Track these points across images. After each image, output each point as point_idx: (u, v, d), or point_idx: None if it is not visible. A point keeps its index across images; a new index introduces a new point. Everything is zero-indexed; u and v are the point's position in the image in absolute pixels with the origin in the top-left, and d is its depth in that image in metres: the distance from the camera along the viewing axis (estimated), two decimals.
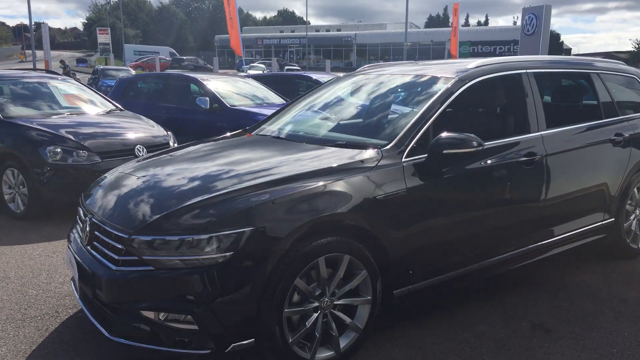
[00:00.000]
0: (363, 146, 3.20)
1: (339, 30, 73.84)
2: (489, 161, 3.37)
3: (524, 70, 3.82)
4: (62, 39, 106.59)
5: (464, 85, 3.44)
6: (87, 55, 59.31)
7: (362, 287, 2.93)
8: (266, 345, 2.62)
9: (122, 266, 2.61)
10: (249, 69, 32.32)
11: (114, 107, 7.30)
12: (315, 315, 2.78)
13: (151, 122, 6.90)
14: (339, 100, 4.22)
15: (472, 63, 3.71)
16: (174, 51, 52.55)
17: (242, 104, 8.54)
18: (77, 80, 8.31)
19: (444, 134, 3.10)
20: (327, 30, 75.65)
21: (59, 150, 5.62)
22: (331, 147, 3.27)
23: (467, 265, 3.35)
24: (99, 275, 2.68)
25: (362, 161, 3.01)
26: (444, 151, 3.05)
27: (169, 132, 6.68)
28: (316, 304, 2.77)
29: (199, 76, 9.01)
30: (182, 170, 3.15)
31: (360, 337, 2.93)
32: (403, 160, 3.06)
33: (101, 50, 46.41)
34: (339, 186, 2.81)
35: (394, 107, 3.72)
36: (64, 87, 7.27)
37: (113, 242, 2.70)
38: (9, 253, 4.66)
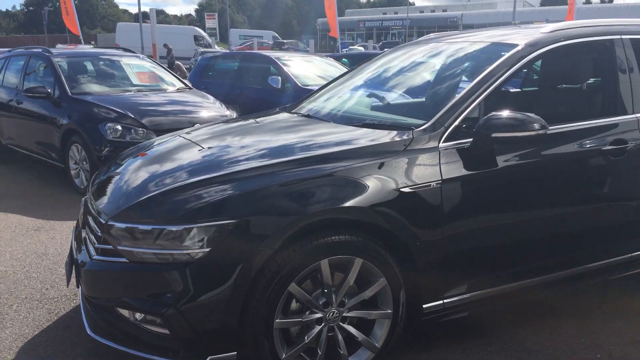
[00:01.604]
0: (394, 126, 2.65)
1: (444, 10, 70.95)
2: (557, 149, 2.67)
3: (618, 36, 3.01)
4: (176, 25, 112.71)
5: (531, 53, 2.75)
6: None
7: (380, 298, 2.42)
8: None
9: (100, 255, 2.31)
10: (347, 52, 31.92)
11: (183, 86, 7.21)
12: (318, 328, 2.32)
13: (216, 101, 6.72)
14: (384, 74, 3.64)
15: (548, 27, 2.99)
16: (277, 35, 53.31)
17: (315, 83, 8.13)
18: (176, 64, 8.33)
19: (496, 113, 2.46)
20: (432, 11, 73.03)
21: (118, 127, 5.58)
22: (358, 127, 2.75)
23: (523, 279, 2.70)
24: (80, 264, 2.41)
25: (386, 144, 2.47)
26: (493, 134, 2.42)
27: (231, 112, 6.45)
28: (319, 314, 2.31)
29: (273, 55, 8.72)
30: (185, 152, 2.78)
31: (376, 358, 2.42)
32: (441, 144, 2.48)
33: (208, 35, 48.22)
34: (351, 173, 2.30)
35: (440, 80, 3.10)
36: (137, 65, 7.29)
37: (95, 228, 2.41)
38: (58, 228, 4.65)
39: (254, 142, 2.76)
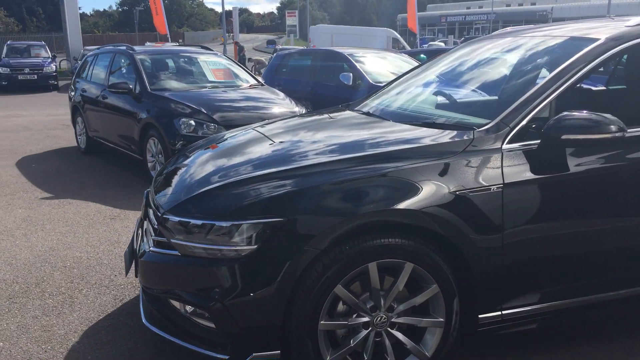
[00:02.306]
0: (455, 126, 2.52)
1: (533, 3, 67.69)
2: (636, 154, 2.43)
3: None
4: (260, 23, 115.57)
5: (612, 49, 2.52)
6: (278, 37, 63.27)
7: (432, 305, 2.32)
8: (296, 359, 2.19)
9: (155, 247, 2.37)
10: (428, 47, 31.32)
11: (256, 83, 7.35)
12: (365, 332, 2.25)
13: (286, 97, 6.77)
14: (453, 70, 3.49)
15: (634, 20, 2.73)
16: None
17: (388, 80, 8.00)
18: (246, 61, 8.53)
19: (568, 113, 2.28)
20: (520, 4, 69.91)
21: (192, 122, 5.77)
22: (417, 126, 2.64)
23: (594, 293, 2.49)
24: (138, 255, 2.50)
25: (444, 145, 2.35)
26: (563, 136, 2.24)
27: (301, 108, 6.48)
28: (367, 318, 2.24)
29: (346, 51, 8.69)
30: (249, 147, 2.81)
31: None
32: (504, 146, 2.33)
33: (288, 32, 49.00)
34: (404, 175, 2.21)
35: (510, 77, 2.92)
36: (213, 62, 7.51)
37: (153, 220, 2.49)
38: (132, 218, 4.87)
39: (309, 140, 2.74)
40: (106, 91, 6.99)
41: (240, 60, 18.97)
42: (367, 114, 3.13)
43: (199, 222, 2.18)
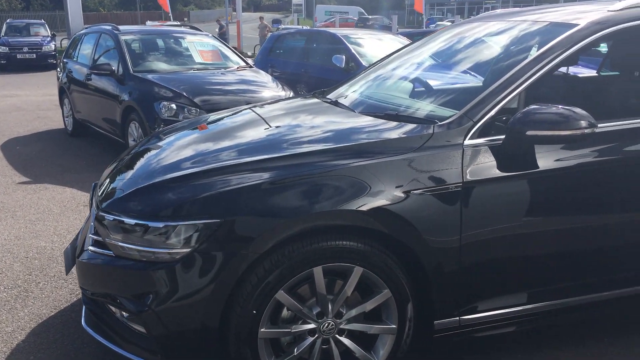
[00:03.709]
0: (416, 119, 2.35)
1: None
2: (609, 151, 2.26)
3: None
4: (268, 2, 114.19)
5: (590, 35, 2.32)
6: (284, 16, 62.48)
7: (385, 311, 2.17)
8: None
9: (92, 246, 2.23)
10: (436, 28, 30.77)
11: (244, 65, 7.15)
12: (311, 339, 2.12)
13: (274, 81, 6.58)
14: (432, 56, 3.28)
15: (618, 4, 2.51)
16: (363, 11, 52.44)
17: None
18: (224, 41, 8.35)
19: (535, 106, 2.10)
20: None
21: (173, 106, 5.61)
22: (379, 118, 2.47)
23: (558, 298, 2.33)
24: (76, 253, 2.36)
25: (400, 140, 2.18)
26: (528, 132, 2.06)
27: (288, 92, 6.29)
28: (313, 325, 2.10)
29: (339, 32, 8.44)
30: (196, 141, 2.64)
31: None
32: (467, 141, 2.15)
33: (294, 11, 48.34)
34: (352, 173, 2.04)
35: (483, 66, 2.73)
36: (201, 43, 7.31)
37: (92, 216, 2.35)
38: None
39: (259, 134, 2.57)
40: (90, 72, 6.83)
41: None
42: (335, 103, 2.95)
43: (132, 221, 2.03)
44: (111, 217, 2.11)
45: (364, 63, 7.64)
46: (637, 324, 2.73)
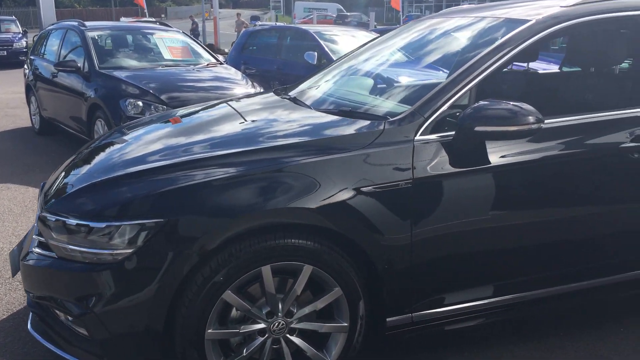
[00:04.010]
0: (369, 116, 2.33)
1: None
2: (558, 146, 2.27)
3: None
4: None
5: (541, 32, 2.33)
6: (263, 13, 62.13)
7: (336, 310, 2.15)
8: None
9: (36, 247, 2.17)
10: None
11: (214, 61, 7.07)
12: (261, 339, 2.09)
13: (244, 77, 6.53)
14: (393, 52, 3.27)
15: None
16: (342, 8, 52.43)
17: None
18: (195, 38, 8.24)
19: (484, 102, 2.10)
20: None
21: (139, 103, 5.52)
22: (334, 114, 2.45)
23: (510, 293, 2.34)
24: (21, 255, 2.29)
25: (351, 136, 2.16)
26: (477, 128, 2.06)
27: (258, 89, 6.23)
28: (262, 325, 2.07)
29: (312, 29, 8.41)
30: (144, 139, 2.60)
31: None
32: (418, 137, 2.14)
33: (272, 8, 48.19)
34: (303, 170, 2.02)
35: (438, 62, 2.73)
36: (171, 39, 7.21)
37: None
38: None
39: (209, 131, 2.53)
40: (56, 69, 6.69)
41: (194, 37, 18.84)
42: (292, 99, 2.92)
43: (74, 222, 1.97)
44: (54, 218, 2.05)
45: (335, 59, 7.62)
46: (592, 317, 2.76)
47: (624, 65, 2.94)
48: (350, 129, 2.21)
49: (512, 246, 2.28)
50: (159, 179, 2.00)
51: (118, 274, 1.90)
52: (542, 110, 2.23)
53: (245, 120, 2.60)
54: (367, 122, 2.23)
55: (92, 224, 1.93)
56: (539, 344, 2.55)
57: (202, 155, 2.13)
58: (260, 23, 29.62)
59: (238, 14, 26.79)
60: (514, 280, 2.36)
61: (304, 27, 8.75)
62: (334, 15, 42.65)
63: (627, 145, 2.32)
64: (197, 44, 7.44)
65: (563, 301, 2.49)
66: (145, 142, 2.54)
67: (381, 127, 2.16)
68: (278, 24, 9.58)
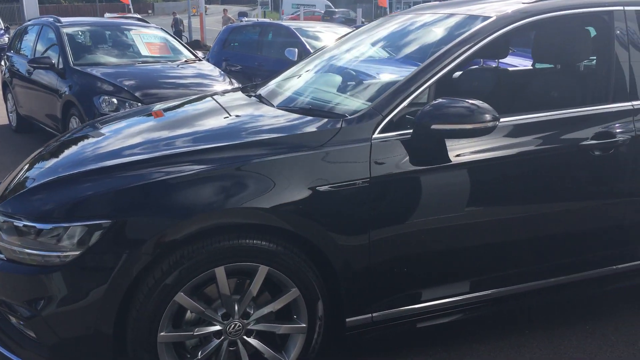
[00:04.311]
0: (328, 113, 2.31)
1: None
2: (518, 145, 2.26)
3: (620, 8, 2.50)
4: None
5: (502, 28, 2.32)
6: (251, 9, 61.82)
7: (295, 310, 2.13)
8: None
9: None
10: None
11: (193, 58, 7.00)
12: (217, 341, 2.06)
13: (221, 74, 6.47)
14: (361, 49, 3.25)
15: None
16: (330, 4, 52.30)
17: None
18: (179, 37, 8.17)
19: (442, 100, 2.08)
20: None
21: (114, 100, 5.45)
22: (294, 112, 2.42)
23: (471, 292, 2.33)
24: None
25: (308, 135, 2.14)
26: (433, 126, 2.04)
27: (237, 86, 6.18)
28: (218, 327, 2.04)
29: (293, 25, 8.36)
30: (103, 137, 2.56)
31: None
32: (375, 136, 2.11)
33: (260, 4, 47.99)
34: (258, 169, 1.99)
35: (402, 59, 2.70)
36: (149, 36, 7.13)
37: None
38: None
39: (168, 130, 2.49)
40: (30, 66, 6.59)
41: (176, 33, 18.61)
42: (257, 97, 2.88)
43: (21, 223, 1.93)
44: (2, 219, 2.00)
45: None
46: (559, 315, 2.76)
47: (588, 63, 2.94)
48: (308, 128, 2.19)
49: (472, 244, 2.27)
50: (108, 179, 1.96)
51: (66, 276, 1.86)
52: (509, 108, 2.21)
53: (206, 120, 2.56)
54: (325, 121, 2.20)
55: (39, 226, 1.89)
56: (502, 342, 2.55)
57: (154, 154, 2.09)
58: (246, 19, 29.51)
59: (225, 10, 26.69)
60: (478, 278, 2.35)
61: (285, 24, 8.71)
62: (322, 12, 42.52)
63: (588, 142, 2.32)
64: (176, 41, 7.36)
65: (528, 299, 2.48)
66: (102, 140, 2.49)
67: (338, 126, 2.13)
68: (261, 19, 9.46)
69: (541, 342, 2.55)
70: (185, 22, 25.35)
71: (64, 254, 1.86)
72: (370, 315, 2.20)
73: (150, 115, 2.91)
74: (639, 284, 2.67)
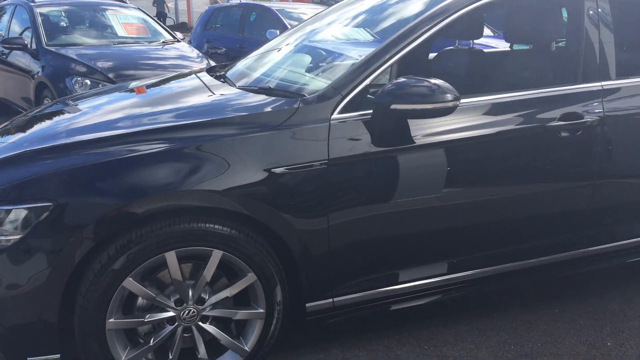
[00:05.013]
0: (285, 93, 2.23)
1: None
2: (485, 126, 2.20)
3: None
4: None
5: (470, 5, 2.24)
6: None
7: (252, 296, 2.07)
8: None
9: None
10: None
11: (171, 39, 6.85)
12: (170, 328, 2.00)
13: (199, 56, 6.33)
14: (336, 26, 3.17)
15: None
16: None
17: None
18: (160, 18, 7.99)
19: (401, 79, 2.01)
20: None
21: (87, 82, 5.33)
22: (254, 92, 2.34)
23: (438, 275, 2.28)
24: None
25: (263, 115, 2.06)
26: (393, 106, 1.97)
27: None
28: (171, 313, 1.98)
29: (275, 6, 8.22)
30: (67, 115, 2.47)
31: None
32: (334, 116, 2.04)
33: None
34: (209, 149, 1.91)
35: (368, 38, 2.63)
36: (125, 16, 6.96)
37: None
38: None
39: (120, 111, 2.39)
40: (3, 47, 6.42)
41: (158, 15, 18.15)
42: (221, 77, 2.79)
43: None
44: None
45: None
46: (526, 299, 2.72)
47: (560, 43, 2.88)
48: (264, 108, 2.11)
49: (435, 227, 2.21)
50: (50, 161, 1.88)
51: (6, 261, 1.78)
52: (482, 89, 2.14)
53: (164, 100, 2.47)
54: (282, 101, 2.12)
55: None
56: (469, 326, 2.51)
57: (103, 134, 2.01)
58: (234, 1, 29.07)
59: None
60: (442, 261, 2.30)
61: (265, 5, 8.56)
62: None
63: (555, 124, 2.26)
64: (154, 22, 7.20)
65: (494, 283, 2.45)
66: (59, 120, 2.41)
67: (295, 106, 2.05)
68: (245, 0, 9.22)
69: (508, 326, 2.52)
70: (171, 4, 24.91)
71: (5, 237, 1.78)
72: (331, 300, 2.15)
73: (113, 94, 2.82)
74: (608, 268, 2.65)
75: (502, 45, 5.42)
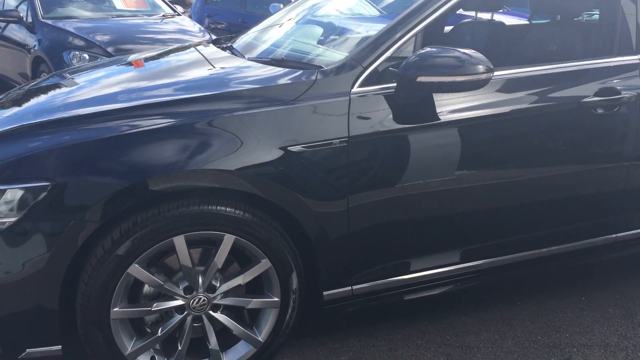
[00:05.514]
0: (302, 65, 2.07)
1: None
2: (515, 100, 2.04)
3: None
4: None
5: None
6: None
7: (266, 283, 1.93)
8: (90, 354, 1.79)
9: None
10: None
11: (172, 13, 6.63)
12: (179, 317, 1.86)
13: (201, 31, 6.13)
14: (339, 3, 2.99)
15: None
16: None
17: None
18: None
19: (429, 49, 1.84)
20: None
21: (85, 56, 5.15)
22: (266, 64, 2.17)
23: (463, 262, 2.15)
24: None
25: (279, 87, 1.90)
26: (419, 78, 1.80)
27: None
28: (180, 301, 1.85)
29: None
30: (64, 89, 2.31)
31: (258, 354, 1.96)
32: (354, 89, 1.88)
33: None
34: (220, 125, 1.76)
35: (394, 6, 2.45)
36: None
37: None
38: None
39: (126, 83, 2.24)
40: None
41: None
42: (229, 49, 2.62)
43: None
44: None
45: None
46: (553, 286, 2.59)
47: (595, 16, 2.70)
48: (279, 80, 1.95)
49: (462, 211, 2.07)
50: (48, 136, 1.72)
51: (3, 244, 1.64)
52: (504, 62, 1.98)
53: (171, 72, 2.31)
54: (299, 72, 1.96)
55: None
56: (492, 314, 2.38)
57: (109, 107, 1.85)
58: None
59: None
60: (468, 248, 2.16)
61: None
62: None
63: (590, 99, 2.10)
64: None
65: (521, 270, 2.31)
66: (60, 92, 2.26)
67: (313, 78, 1.89)
68: None
69: (534, 315, 2.39)
70: None
71: (1, 219, 1.64)
72: (350, 287, 2.01)
73: (113, 67, 2.65)
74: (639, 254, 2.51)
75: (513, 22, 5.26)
